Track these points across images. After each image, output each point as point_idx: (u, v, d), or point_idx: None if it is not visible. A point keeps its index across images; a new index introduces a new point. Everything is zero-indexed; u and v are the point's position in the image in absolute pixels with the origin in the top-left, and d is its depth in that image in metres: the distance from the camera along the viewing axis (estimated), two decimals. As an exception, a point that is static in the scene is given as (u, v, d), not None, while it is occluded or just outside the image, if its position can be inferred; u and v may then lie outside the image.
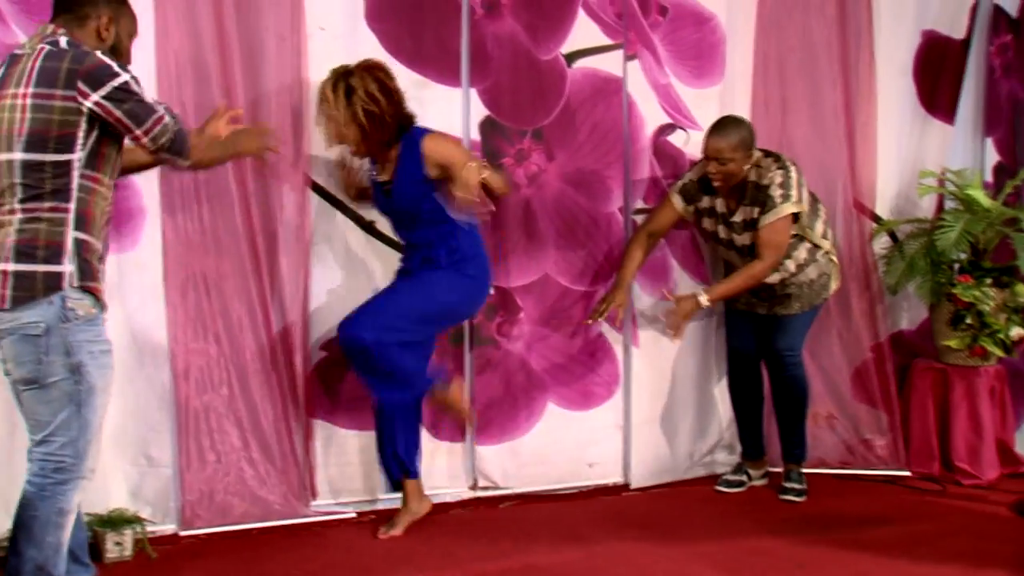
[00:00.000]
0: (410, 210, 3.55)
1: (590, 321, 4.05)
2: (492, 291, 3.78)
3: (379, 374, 3.48)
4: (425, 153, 3.47)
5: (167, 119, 2.65)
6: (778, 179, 3.84)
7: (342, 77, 3.41)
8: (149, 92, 2.84)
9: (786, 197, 3.83)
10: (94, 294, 2.61)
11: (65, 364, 2.55)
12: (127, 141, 2.69)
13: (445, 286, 3.54)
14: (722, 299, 3.98)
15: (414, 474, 3.68)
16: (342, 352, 3.55)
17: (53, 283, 2.54)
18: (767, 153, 3.93)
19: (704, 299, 3.88)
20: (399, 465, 3.64)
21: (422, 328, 3.56)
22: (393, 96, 3.46)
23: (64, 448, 2.58)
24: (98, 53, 2.58)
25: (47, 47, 2.57)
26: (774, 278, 3.95)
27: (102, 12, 2.68)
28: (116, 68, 2.57)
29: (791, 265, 3.96)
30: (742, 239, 3.95)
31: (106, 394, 2.65)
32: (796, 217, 3.89)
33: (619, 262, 4.07)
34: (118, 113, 2.56)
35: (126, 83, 2.57)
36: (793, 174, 3.87)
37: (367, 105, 3.39)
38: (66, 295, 2.54)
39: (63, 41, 2.58)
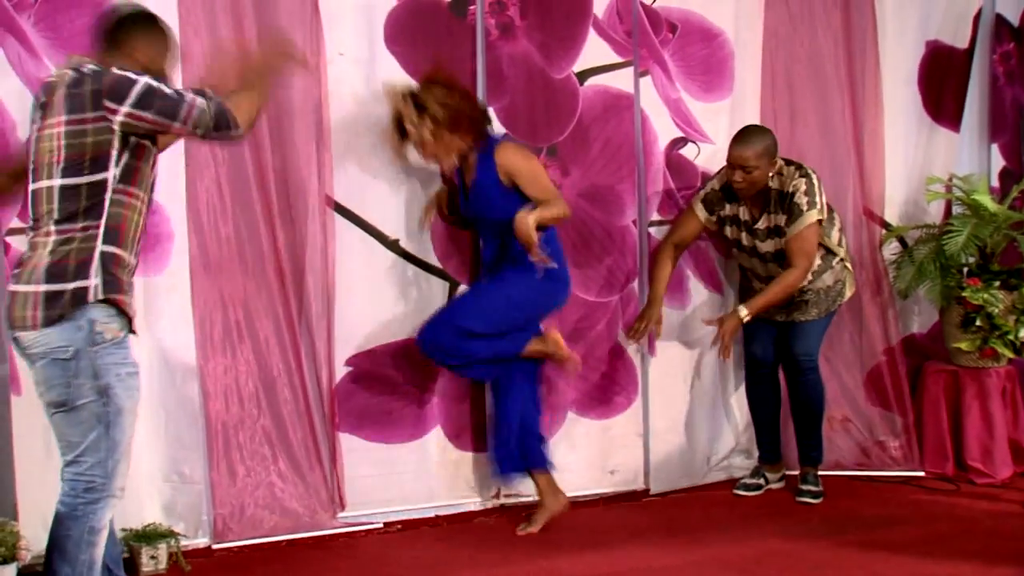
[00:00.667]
0: (487, 215, 3.71)
1: (631, 341, 4.15)
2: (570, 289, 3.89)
3: (470, 369, 3.75)
4: (497, 161, 3.63)
5: (200, 101, 2.64)
6: (803, 187, 3.91)
7: (411, 99, 3.57)
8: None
9: (812, 204, 3.90)
10: (119, 306, 2.63)
11: (93, 387, 2.60)
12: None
13: (524, 286, 3.68)
14: (761, 311, 3.96)
15: (541, 466, 3.80)
16: (424, 355, 3.75)
17: (80, 297, 2.57)
18: (788, 162, 4.00)
19: (744, 313, 3.92)
20: (522, 457, 3.78)
21: (501, 327, 3.71)
22: (457, 87, 3.64)
23: (94, 468, 2.63)
24: (114, 68, 2.61)
25: (72, 74, 2.62)
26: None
27: (136, 39, 2.73)
28: (133, 76, 2.59)
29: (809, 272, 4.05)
30: (765, 246, 4.01)
31: (133, 415, 2.69)
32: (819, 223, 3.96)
33: (633, 272, 4.16)
34: (151, 116, 2.58)
35: (147, 85, 2.58)
36: (815, 182, 3.95)
37: (441, 106, 3.54)
38: (94, 318, 2.58)
39: (87, 67, 2.63)
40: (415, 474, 3.94)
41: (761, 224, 4.00)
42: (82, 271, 2.58)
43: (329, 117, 3.73)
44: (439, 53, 3.84)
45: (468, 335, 3.66)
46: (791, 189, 3.92)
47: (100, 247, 2.60)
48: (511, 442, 3.78)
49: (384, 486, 3.89)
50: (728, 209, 4.07)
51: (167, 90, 2.63)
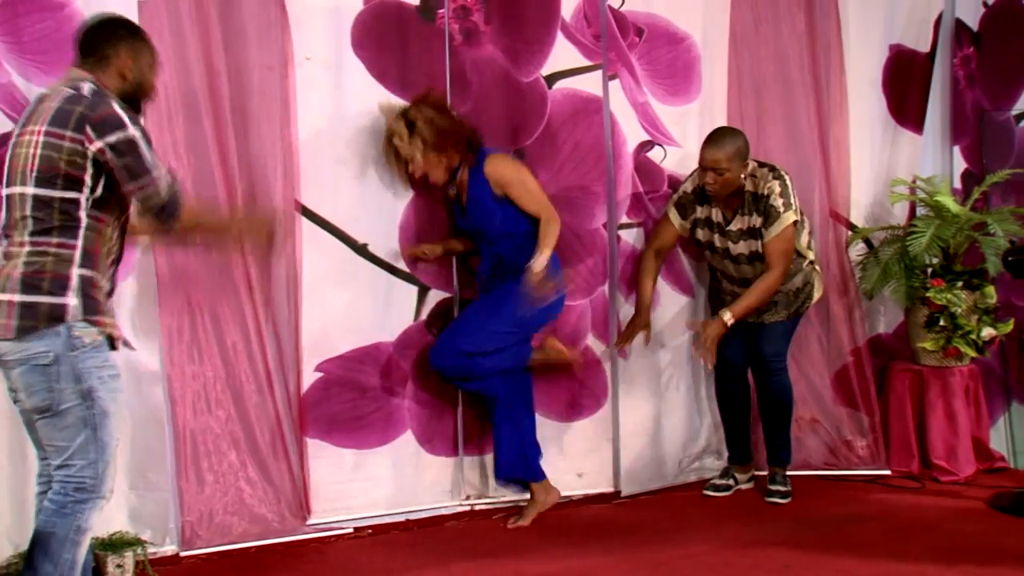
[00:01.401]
0: (482, 228, 3.78)
1: (618, 349, 4.18)
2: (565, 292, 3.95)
3: (479, 383, 3.82)
4: (488, 174, 3.71)
5: (162, 185, 2.68)
6: (777, 188, 3.94)
7: (402, 116, 3.67)
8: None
9: (788, 206, 3.94)
10: (100, 327, 2.66)
11: (76, 391, 2.61)
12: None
13: (520, 299, 3.71)
14: (744, 314, 3.99)
15: (535, 479, 3.88)
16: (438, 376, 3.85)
17: (58, 314, 2.59)
18: (761, 163, 4.04)
19: (728, 317, 3.95)
20: (525, 468, 3.86)
21: (505, 339, 3.78)
22: (447, 110, 3.74)
23: (84, 470, 2.64)
24: (115, 104, 2.63)
25: (69, 91, 2.64)
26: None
27: (122, 52, 2.74)
28: (127, 121, 2.62)
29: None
30: (738, 248, 4.04)
31: (119, 417, 2.71)
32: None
33: (603, 276, 4.19)
34: (115, 163, 2.62)
35: (131, 138, 2.62)
36: (789, 183, 3.99)
37: (430, 124, 3.66)
38: (72, 324, 2.60)
39: (86, 88, 2.64)
40: (386, 479, 3.93)
41: (734, 226, 4.02)
42: (59, 287, 2.60)
43: (297, 121, 3.72)
44: (408, 57, 3.86)
45: (473, 355, 3.73)
46: (765, 191, 3.95)
47: (78, 270, 2.62)
48: (513, 452, 3.86)
49: (355, 491, 3.88)
50: (700, 211, 4.09)
51: (146, 154, 2.65)
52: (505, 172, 3.74)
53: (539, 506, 3.90)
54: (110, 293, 2.75)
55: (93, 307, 2.64)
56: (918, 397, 4.52)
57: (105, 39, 2.74)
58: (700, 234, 4.13)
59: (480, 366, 3.76)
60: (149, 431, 3.57)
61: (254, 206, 3.42)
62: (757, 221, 3.97)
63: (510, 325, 3.77)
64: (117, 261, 2.79)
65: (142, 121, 2.72)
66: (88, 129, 2.59)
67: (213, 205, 3.03)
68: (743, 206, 4.00)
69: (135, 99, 2.75)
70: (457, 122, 3.74)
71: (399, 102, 3.79)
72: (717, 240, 4.08)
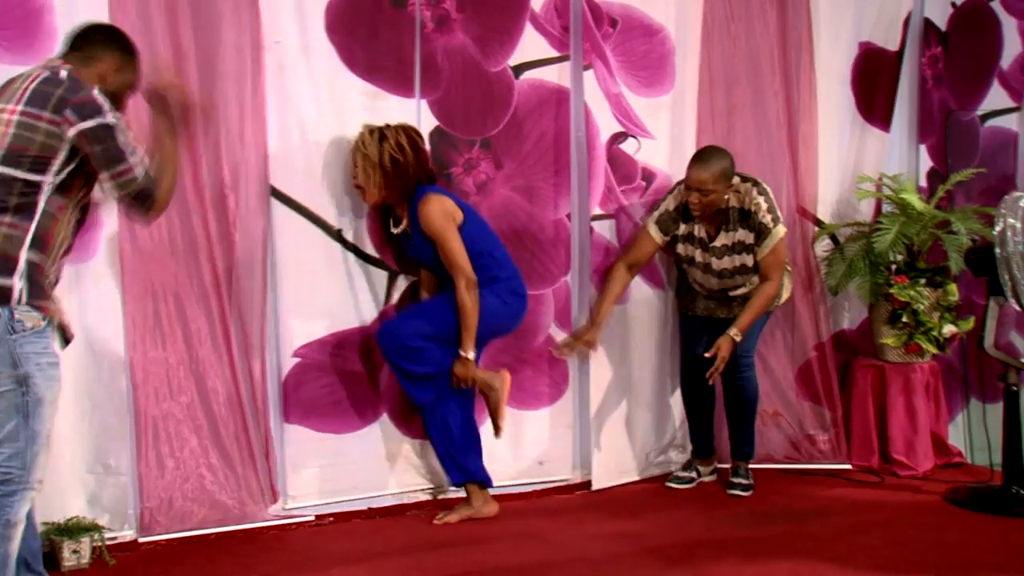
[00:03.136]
0: (425, 260, 3.80)
1: (559, 354, 4.14)
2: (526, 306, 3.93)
3: (406, 376, 3.74)
4: (419, 213, 3.71)
5: (138, 173, 2.65)
6: (764, 205, 3.97)
7: (380, 128, 3.71)
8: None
9: (776, 220, 3.98)
10: (44, 313, 2.61)
11: (12, 376, 2.56)
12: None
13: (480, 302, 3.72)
14: (749, 326, 4.01)
15: (479, 479, 3.84)
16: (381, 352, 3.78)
17: (4, 297, 2.54)
18: (744, 178, 4.04)
19: (735, 332, 3.98)
20: (457, 469, 3.82)
21: (441, 342, 3.72)
22: (419, 154, 3.72)
23: (11, 460, 2.57)
24: (95, 90, 2.62)
25: (46, 73, 2.62)
26: (740, 291, 4.09)
27: (110, 58, 2.73)
28: (106, 108, 2.61)
29: (753, 279, 4.09)
30: (722, 263, 4.05)
31: (53, 406, 2.65)
32: None
33: (567, 266, 4.19)
34: (93, 150, 2.59)
35: (110, 125, 2.60)
36: (771, 196, 4.01)
37: (394, 152, 3.66)
38: (13, 307, 2.54)
39: (63, 72, 2.62)
40: (349, 467, 3.91)
41: (718, 242, 4.04)
42: (5, 269, 2.55)
43: (266, 105, 3.69)
44: (378, 43, 3.84)
45: (419, 335, 3.70)
46: (752, 207, 3.97)
47: (26, 252, 2.58)
48: (441, 452, 3.84)
49: (317, 479, 3.86)
50: (683, 228, 4.09)
51: (123, 140, 2.62)
52: (431, 223, 3.68)
53: (471, 511, 3.84)
54: (54, 284, 2.70)
55: (38, 292, 2.60)
56: (879, 393, 4.56)
57: (98, 41, 2.74)
58: (681, 248, 4.13)
59: (422, 348, 3.70)
60: (109, 415, 3.54)
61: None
62: (747, 237, 3.99)
63: (443, 326, 3.73)
64: (67, 252, 2.74)
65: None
66: (68, 112, 2.56)
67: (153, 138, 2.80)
68: (727, 222, 4.01)
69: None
70: (417, 165, 3.71)
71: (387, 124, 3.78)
72: (699, 256, 4.09)
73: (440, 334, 3.72)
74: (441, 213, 3.70)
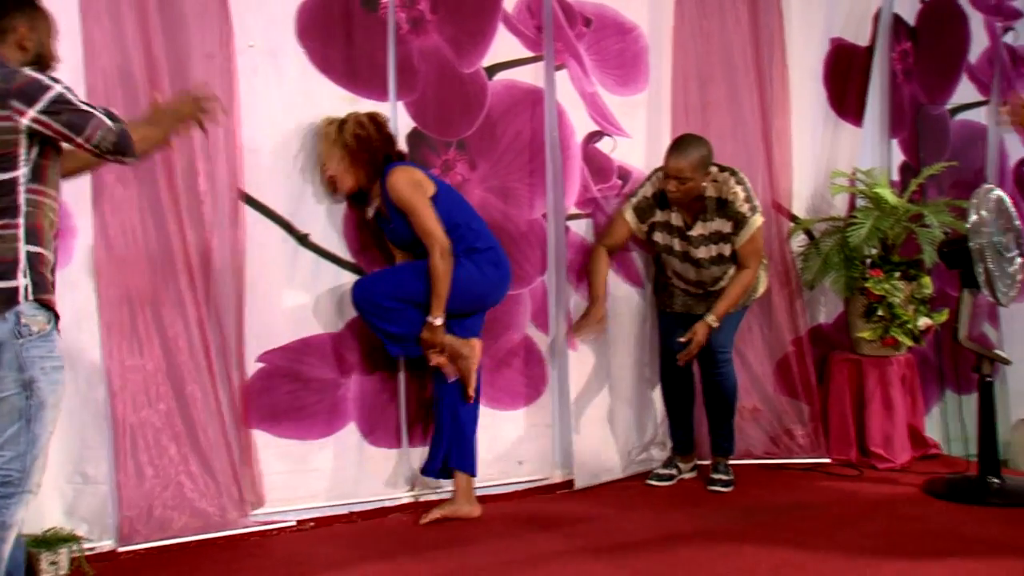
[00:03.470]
0: (406, 241, 3.76)
1: (577, 337, 4.20)
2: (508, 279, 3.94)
3: (379, 330, 3.75)
4: (388, 186, 3.68)
5: (107, 122, 2.61)
6: (741, 194, 3.99)
7: (335, 120, 3.72)
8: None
9: (754, 210, 4.01)
10: (48, 307, 2.60)
11: (17, 379, 2.54)
12: (66, 147, 2.67)
13: (461, 272, 3.71)
14: (726, 313, 4.08)
15: (464, 468, 3.83)
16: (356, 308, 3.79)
17: (10, 298, 2.53)
18: (721, 168, 4.06)
19: (712, 319, 4.03)
20: (458, 454, 3.82)
21: (415, 306, 3.70)
22: (382, 129, 3.72)
23: (11, 462, 2.57)
24: (26, 70, 2.57)
25: None
26: (718, 284, 4.12)
27: (18, 23, 2.67)
28: (47, 81, 2.56)
29: (731, 270, 4.12)
30: (700, 252, 4.07)
31: (56, 410, 2.64)
32: None
33: (543, 266, 4.19)
34: (57, 126, 2.55)
35: (60, 95, 2.55)
36: (749, 185, 4.04)
37: (356, 130, 3.66)
38: (20, 311, 2.53)
39: None
40: (330, 471, 3.91)
41: (695, 231, 4.05)
42: (8, 270, 2.53)
43: (239, 109, 3.67)
44: (351, 47, 3.83)
45: (391, 297, 3.69)
46: (729, 197, 3.99)
47: (24, 247, 2.56)
48: (443, 439, 3.84)
49: (298, 484, 3.85)
50: (660, 215, 4.11)
51: (78, 103, 2.59)
52: (401, 193, 3.67)
53: (455, 510, 3.83)
54: (54, 267, 2.68)
55: (43, 286, 2.59)
56: (857, 386, 4.59)
57: (2, 12, 2.66)
58: (659, 237, 4.15)
59: (376, 315, 3.71)
60: (87, 423, 3.52)
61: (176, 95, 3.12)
62: (724, 226, 4.01)
63: (410, 288, 3.72)
64: (57, 232, 2.71)
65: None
66: (14, 103, 2.52)
67: (144, 116, 2.84)
68: (705, 211, 4.03)
69: (37, 70, 2.65)
70: (381, 139, 3.71)
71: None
72: (677, 244, 4.11)
73: (413, 299, 3.71)
74: (409, 182, 3.69)
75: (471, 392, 3.84)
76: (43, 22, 2.74)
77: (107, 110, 2.66)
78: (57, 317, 2.65)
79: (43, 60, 2.70)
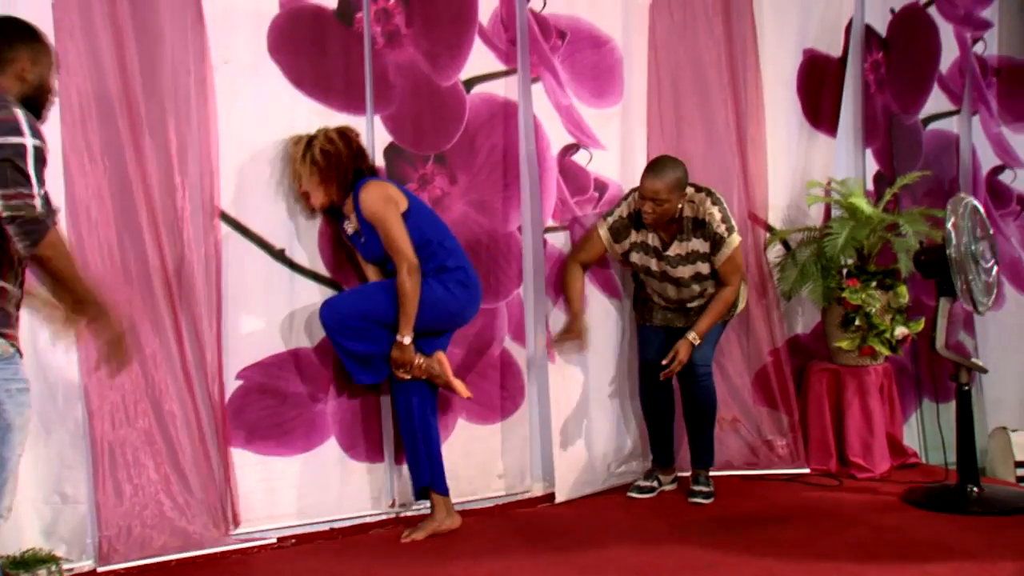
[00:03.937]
0: (378, 254, 3.74)
1: (554, 349, 4.21)
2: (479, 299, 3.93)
3: (348, 356, 3.73)
4: (360, 201, 3.68)
5: (35, 201, 2.45)
6: (717, 214, 4.02)
7: (303, 137, 3.72)
8: (53, 131, 2.73)
9: (731, 230, 4.04)
10: (8, 340, 2.56)
11: None
12: None
13: (427, 291, 3.70)
14: (707, 330, 4.12)
15: (436, 488, 3.83)
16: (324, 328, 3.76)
17: None
18: (697, 188, 4.08)
19: (693, 336, 4.07)
20: (430, 472, 3.81)
21: (383, 326, 3.69)
22: (351, 143, 3.71)
23: None
24: (16, 109, 2.50)
25: None
26: (697, 302, 4.14)
27: (20, 55, 2.64)
28: (23, 129, 2.47)
29: (710, 286, 4.14)
30: (679, 272, 4.08)
31: (23, 432, 2.60)
32: None
33: (519, 279, 4.20)
34: None
35: (19, 146, 2.45)
36: (725, 205, 4.06)
37: (324, 145, 3.65)
38: None
39: None
40: (310, 487, 3.89)
41: (672, 251, 4.07)
42: None
43: (216, 125, 3.66)
44: (326, 62, 3.83)
45: (359, 316, 3.68)
46: (706, 218, 4.01)
47: None
48: (419, 461, 3.83)
49: (279, 501, 3.83)
50: (636, 235, 4.12)
51: (27, 165, 2.45)
52: (372, 208, 3.66)
53: (436, 524, 3.83)
54: (18, 304, 2.64)
55: (4, 320, 2.54)
56: (835, 396, 4.62)
57: (2, 41, 2.64)
58: (636, 258, 4.16)
59: (344, 337, 3.70)
60: (65, 442, 3.49)
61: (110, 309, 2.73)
62: (702, 246, 4.04)
63: (377, 310, 3.71)
64: (25, 265, 2.64)
65: (43, 136, 2.55)
66: None
67: (89, 283, 2.63)
68: (681, 231, 4.05)
69: (35, 103, 2.64)
70: (350, 153, 3.70)
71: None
72: (654, 264, 4.12)
73: (381, 319, 3.69)
74: (380, 196, 3.68)
75: (468, 393, 3.87)
76: (46, 56, 2.71)
77: (48, 198, 2.51)
78: (19, 351, 2.57)
79: (42, 93, 2.66)
